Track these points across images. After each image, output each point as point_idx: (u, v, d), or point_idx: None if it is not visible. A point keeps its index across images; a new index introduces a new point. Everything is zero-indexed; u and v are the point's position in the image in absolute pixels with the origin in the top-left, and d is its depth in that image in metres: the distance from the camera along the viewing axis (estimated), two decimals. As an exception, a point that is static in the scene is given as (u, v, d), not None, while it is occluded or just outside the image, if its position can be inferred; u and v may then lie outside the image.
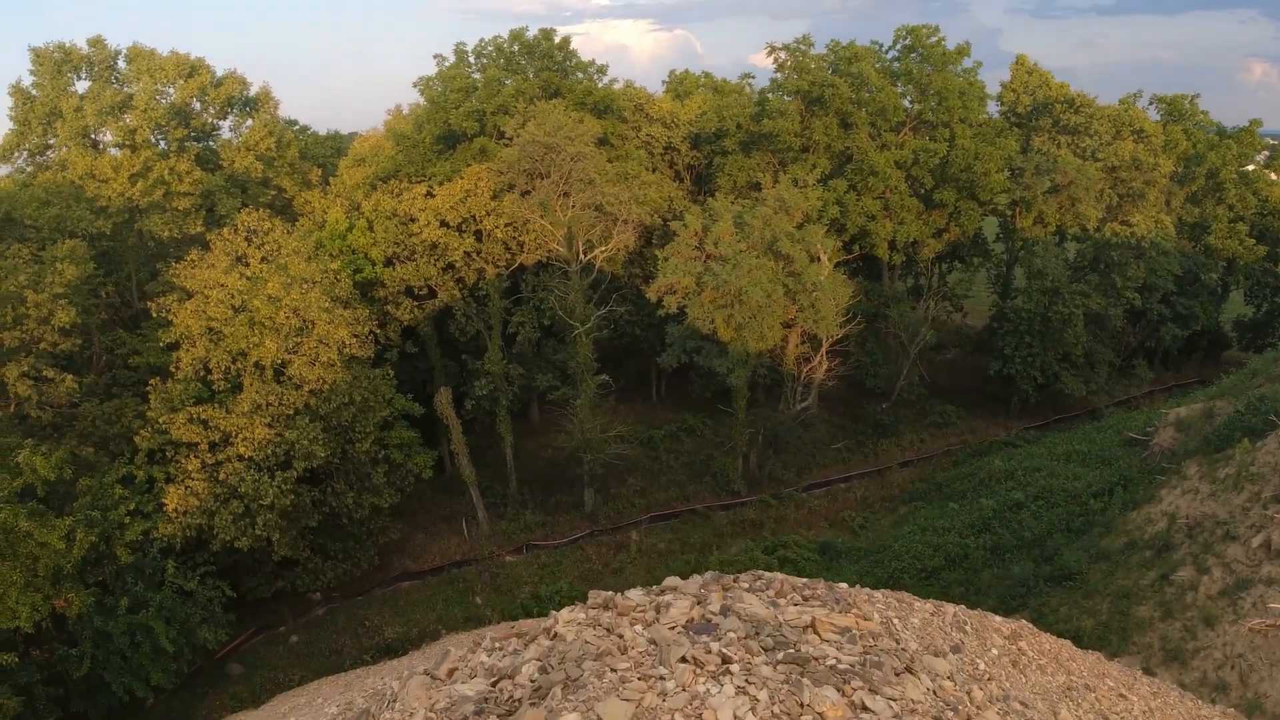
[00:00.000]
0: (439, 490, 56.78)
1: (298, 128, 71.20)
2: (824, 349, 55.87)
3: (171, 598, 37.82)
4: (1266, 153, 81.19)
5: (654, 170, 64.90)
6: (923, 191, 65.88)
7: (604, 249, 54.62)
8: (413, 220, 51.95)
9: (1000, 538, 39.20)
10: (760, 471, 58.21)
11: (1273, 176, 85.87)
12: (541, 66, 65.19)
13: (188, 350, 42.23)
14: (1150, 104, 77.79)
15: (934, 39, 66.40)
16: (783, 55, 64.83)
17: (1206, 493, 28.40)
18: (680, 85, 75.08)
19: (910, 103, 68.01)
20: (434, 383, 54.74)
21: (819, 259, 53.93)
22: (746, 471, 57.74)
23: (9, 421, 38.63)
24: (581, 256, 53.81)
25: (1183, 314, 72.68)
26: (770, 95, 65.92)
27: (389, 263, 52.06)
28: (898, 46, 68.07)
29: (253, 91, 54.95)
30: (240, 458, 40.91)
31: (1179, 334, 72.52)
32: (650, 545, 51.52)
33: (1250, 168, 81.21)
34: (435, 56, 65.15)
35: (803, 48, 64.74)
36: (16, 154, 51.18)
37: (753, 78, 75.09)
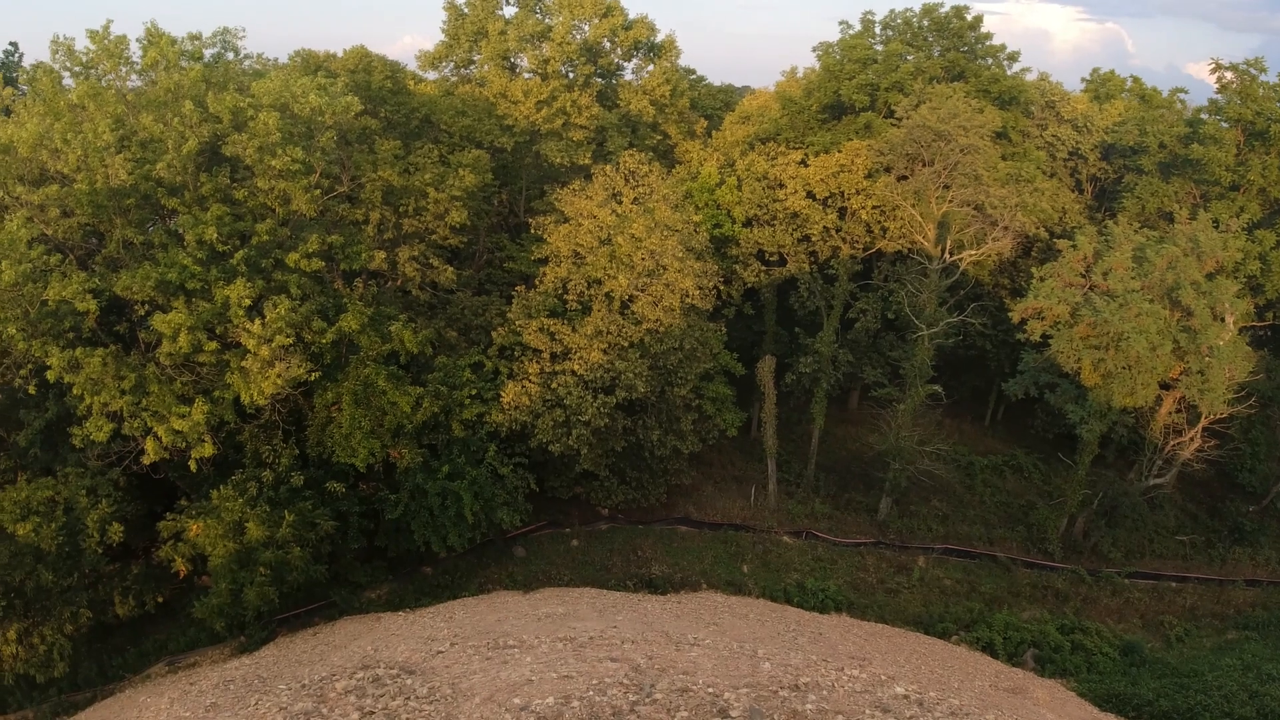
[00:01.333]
0: (739, 451, 57.11)
1: (693, 77, 72.83)
2: (1201, 424, 47.97)
3: (485, 476, 41.59)
4: None
5: (1051, 176, 59.00)
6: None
7: (973, 252, 50.70)
8: (781, 186, 51.53)
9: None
10: (1084, 540, 51.98)
11: None
12: (948, 46, 60.79)
13: (553, 268, 45.59)
14: None
15: None
16: (1228, 75, 55.53)
17: None
18: (1102, 86, 67.33)
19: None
20: (762, 348, 54.63)
21: (1223, 319, 46.13)
22: (1068, 535, 51.86)
23: (393, 294, 43.82)
24: (946, 255, 50.29)
25: None
26: (1205, 117, 56.96)
27: (748, 223, 52.23)
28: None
29: (659, 38, 56.48)
30: (573, 373, 43.81)
31: None
32: (935, 577, 48.23)
33: None
34: (840, 23, 63.00)
35: (1253, 70, 54.96)
36: (444, 64, 56.71)
37: (1186, 92, 65.72)
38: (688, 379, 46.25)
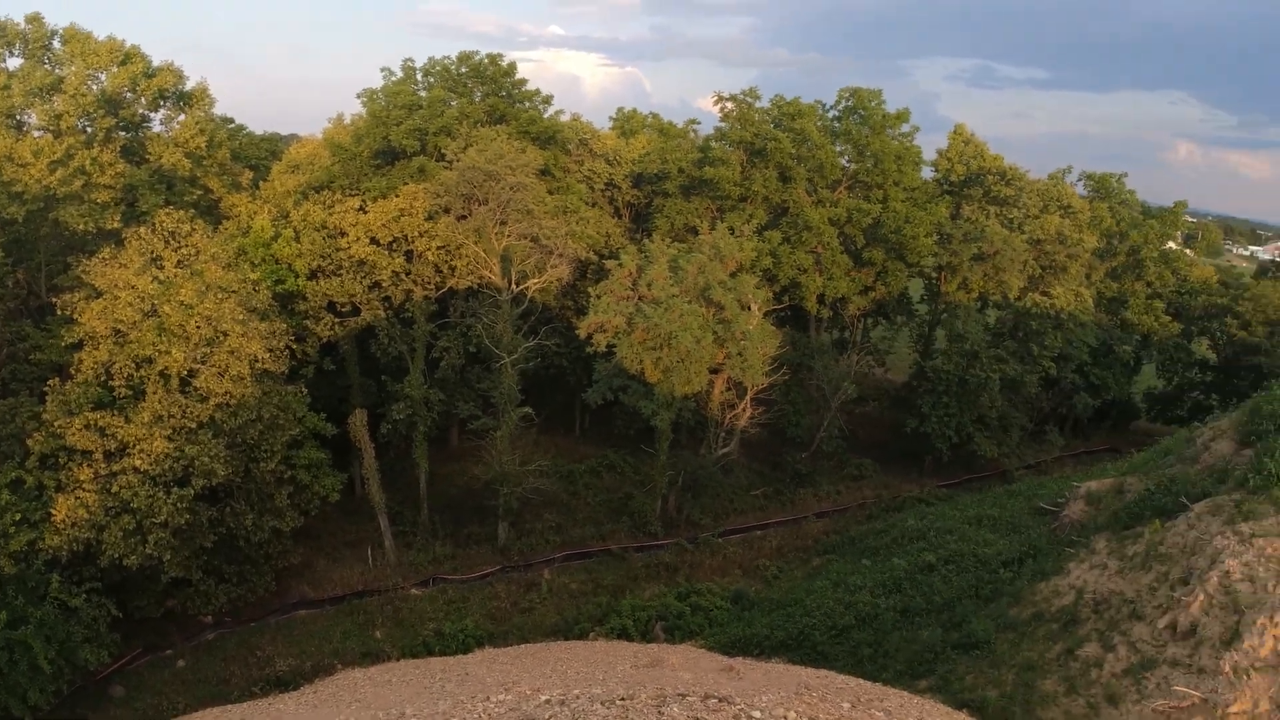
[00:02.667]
0: (346, 515, 54.78)
1: (233, 126, 68.97)
2: (749, 396, 56.03)
3: (54, 614, 35.74)
4: (1186, 233, 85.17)
5: (594, 205, 64.84)
6: (853, 249, 67.27)
7: (537, 280, 53.98)
8: (342, 234, 50.52)
9: (910, 600, 39.36)
10: (678, 514, 57.84)
11: (1190, 256, 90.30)
12: (488, 91, 64.66)
13: (90, 352, 40.09)
14: (1079, 180, 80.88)
15: (875, 103, 68.17)
16: (729, 105, 65.79)
17: (1114, 570, 28.98)
18: (627, 123, 75.57)
19: (848, 162, 69.62)
20: (350, 402, 52.93)
21: (749, 308, 54.27)
22: (665, 513, 57.31)
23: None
24: (513, 286, 53.06)
25: (1095, 384, 75.46)
26: (714, 143, 66.70)
27: (313, 276, 50.42)
28: (840, 106, 69.70)
29: (189, 85, 52.83)
30: (136, 470, 38.69)
31: (1090, 403, 75.13)
32: (562, 585, 50.41)
33: (1170, 246, 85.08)
34: (382, 70, 63.99)
35: (749, 100, 65.76)
36: (-66, 128, 47.92)
37: (698, 123, 76.17)
38: (274, 451, 43.28)
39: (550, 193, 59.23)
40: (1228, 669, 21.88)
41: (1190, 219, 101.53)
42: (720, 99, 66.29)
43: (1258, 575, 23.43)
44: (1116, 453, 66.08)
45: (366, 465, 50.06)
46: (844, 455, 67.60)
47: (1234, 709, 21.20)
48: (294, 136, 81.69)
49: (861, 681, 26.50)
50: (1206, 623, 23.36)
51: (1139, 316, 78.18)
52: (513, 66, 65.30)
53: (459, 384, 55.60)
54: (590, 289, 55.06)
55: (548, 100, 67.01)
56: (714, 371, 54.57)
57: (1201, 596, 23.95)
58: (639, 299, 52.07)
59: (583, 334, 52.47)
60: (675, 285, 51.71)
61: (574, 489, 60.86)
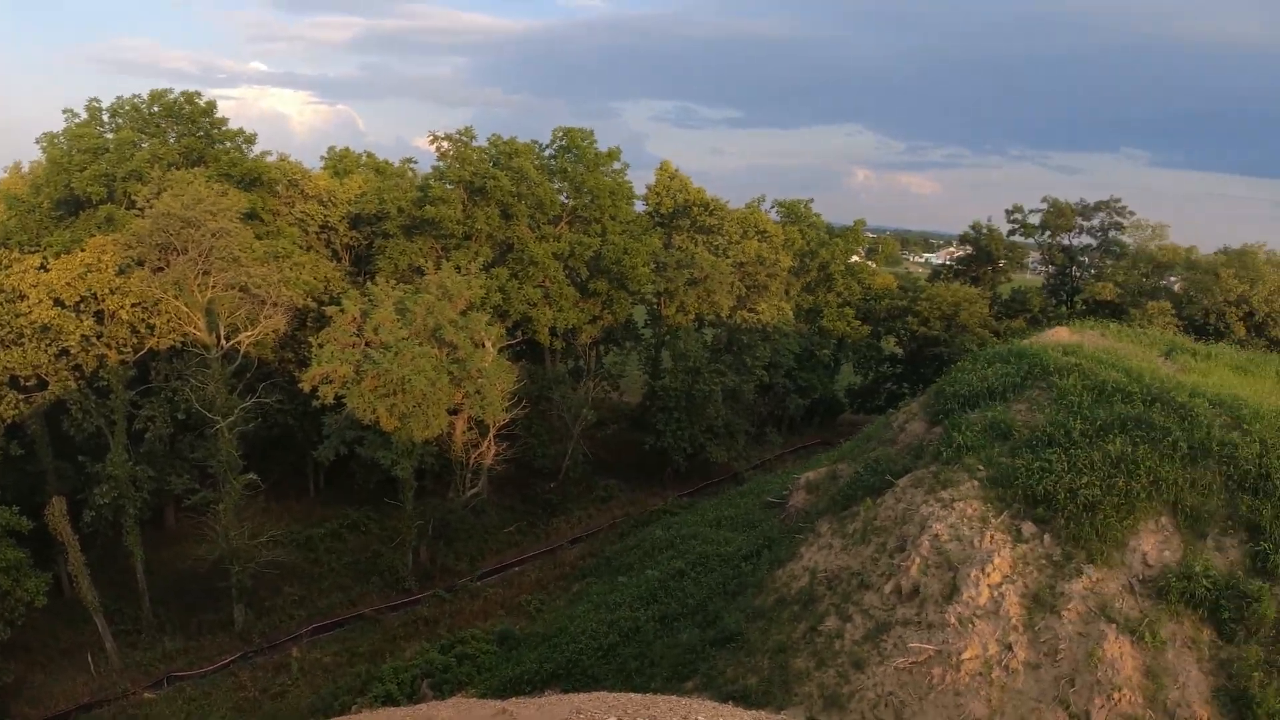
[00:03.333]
0: (58, 619, 47.95)
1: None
2: (491, 433, 55.73)
3: None
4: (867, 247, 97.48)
5: (308, 249, 61.87)
6: (579, 281, 69.62)
7: (250, 333, 50.56)
8: (22, 298, 44.85)
9: (668, 607, 40.85)
10: (433, 565, 56.09)
11: (873, 266, 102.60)
12: (184, 131, 59.97)
13: None
14: (772, 207, 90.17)
15: (588, 142, 71.29)
16: (445, 145, 65.80)
17: (839, 547, 31.88)
18: (340, 162, 73.11)
19: (566, 198, 72.09)
20: (45, 491, 46.49)
21: (483, 345, 54.19)
22: (418, 566, 55.35)
23: None
24: (223, 341, 49.31)
25: (803, 386, 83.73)
26: (434, 182, 66.30)
27: (-15, 348, 43.93)
28: (555, 145, 72.13)
29: None
30: None
31: (801, 403, 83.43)
32: (315, 660, 46.95)
33: (854, 259, 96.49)
34: (65, 111, 57.43)
35: (465, 139, 66.16)
36: None
37: (415, 162, 75.44)
38: (-46, 555, 37.18)
39: (259, 238, 55.73)
40: (953, 620, 24.83)
41: (870, 235, 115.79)
42: (436, 138, 66.14)
43: (963, 534, 26.85)
44: (828, 445, 72.72)
45: (73, 560, 44.22)
46: (591, 479, 69.19)
47: (966, 655, 24.08)
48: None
49: (631, 695, 27.10)
50: (926, 582, 26.37)
51: (834, 323, 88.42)
52: (211, 105, 61.17)
53: (170, 456, 50.81)
54: (312, 338, 52.36)
55: (251, 139, 63.34)
56: (453, 412, 53.73)
57: (917, 560, 27.02)
58: (366, 345, 50.20)
59: (307, 387, 49.61)
60: (404, 328, 50.44)
61: (315, 555, 57.35)
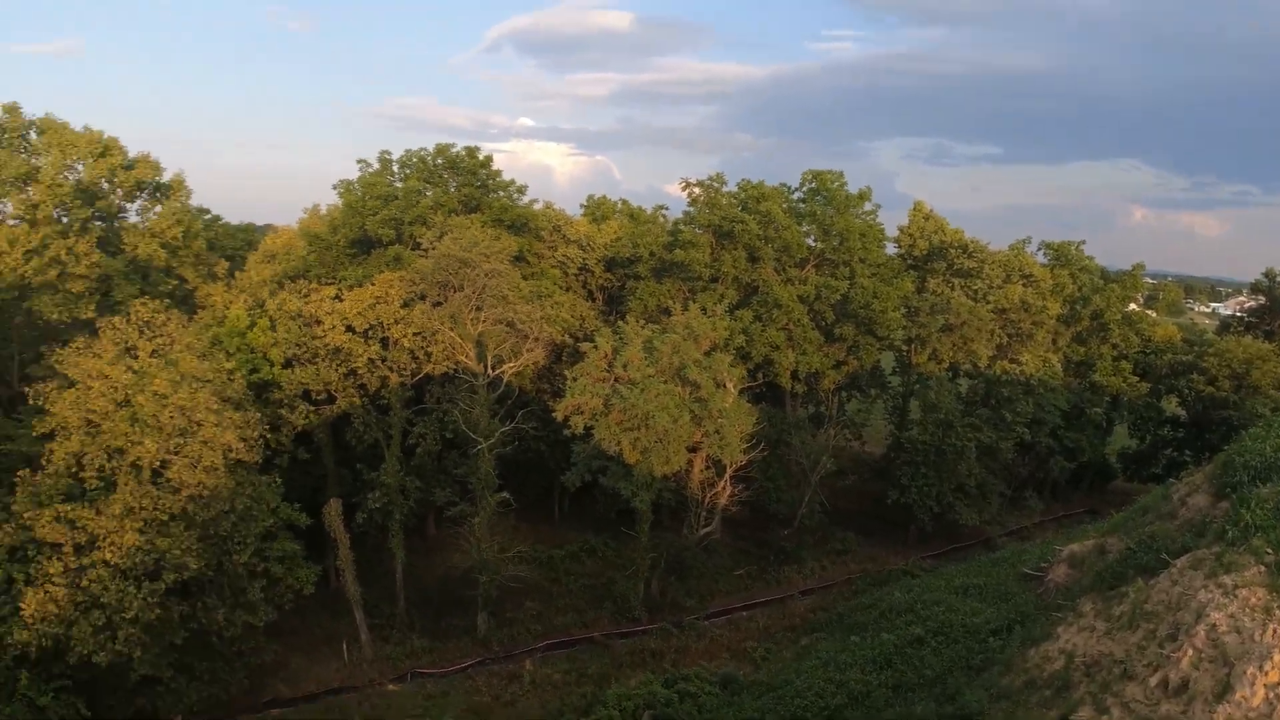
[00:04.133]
0: (321, 608, 53.19)
1: (209, 216, 69.56)
2: (728, 474, 55.86)
3: (22, 712, 34.77)
4: (1146, 294, 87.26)
5: (567, 290, 65.69)
6: (824, 325, 68.43)
7: (513, 364, 54.12)
8: (318, 323, 50.65)
9: (902, 675, 38.66)
10: (662, 598, 56.85)
11: (1153, 316, 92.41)
12: (463, 181, 66.06)
13: (62, 442, 39.27)
14: (1039, 249, 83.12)
15: (837, 184, 70.47)
16: (696, 190, 67.74)
17: (1102, 631, 28.74)
18: (598, 209, 77.30)
19: (814, 241, 71.44)
20: (325, 492, 52.15)
21: (724, 386, 54.64)
22: (648, 597, 56.30)
23: None
24: (489, 370, 53.11)
25: (1070, 447, 76.43)
26: (683, 227, 68.29)
27: (288, 364, 50.26)
28: (804, 189, 71.98)
29: (166, 177, 53.38)
30: (106, 564, 37.66)
31: (1066, 466, 76.15)
32: (545, 676, 48.86)
33: (1132, 308, 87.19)
34: (359, 161, 65.31)
35: (715, 184, 67.78)
36: (-93, 214, 47.98)
37: (667, 208, 78.35)
38: (247, 543, 42.16)
39: (525, 278, 59.99)
40: (1223, 724, 21.62)
41: (1149, 280, 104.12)
42: (687, 185, 68.28)
43: (1243, 626, 23.37)
44: (1095, 514, 66.28)
45: (342, 557, 49.02)
46: (827, 530, 67.31)
47: (1233, 764, 20.89)
48: (269, 227, 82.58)
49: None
50: (1197, 677, 23.14)
51: (1107, 378, 79.59)
52: (488, 159, 67.11)
53: (435, 471, 55.09)
54: (566, 372, 55.19)
55: (521, 189, 68.70)
56: (692, 450, 54.52)
57: (1190, 651, 23.79)
58: (615, 380, 52.27)
59: (560, 416, 52.32)
60: (650, 366, 52.06)
61: (555, 575, 59.89)
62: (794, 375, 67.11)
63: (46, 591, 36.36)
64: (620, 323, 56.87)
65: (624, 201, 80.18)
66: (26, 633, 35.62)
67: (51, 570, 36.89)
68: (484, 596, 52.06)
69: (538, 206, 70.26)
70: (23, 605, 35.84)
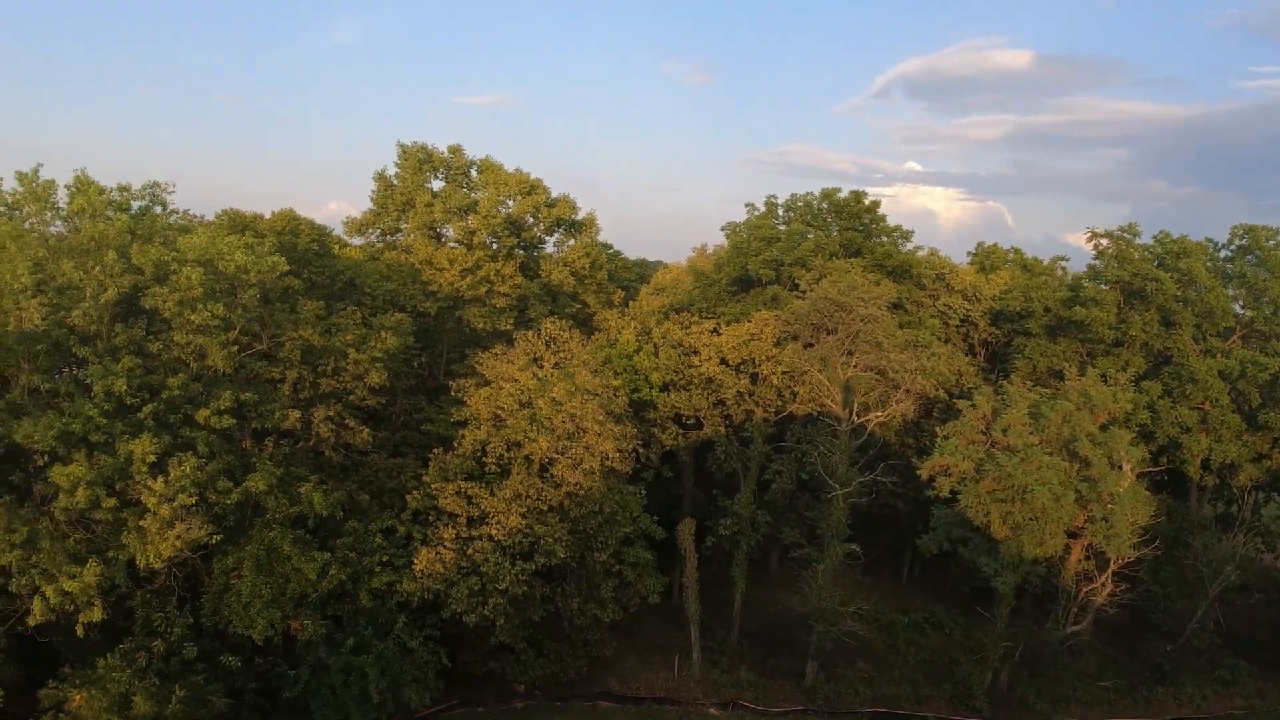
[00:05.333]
0: (660, 618, 55.54)
1: (610, 251, 76.43)
2: (1111, 569, 49.25)
3: (393, 650, 39.66)
4: None
5: (946, 341, 62.84)
6: (1247, 409, 58.61)
7: (880, 414, 52.63)
8: (695, 353, 53.31)
9: None
10: (1010, 693, 51.62)
11: None
12: (846, 225, 65.93)
13: (472, 430, 45.36)
14: None
15: (1273, 242, 60.59)
16: (1104, 242, 61.83)
17: None
18: (987, 258, 73.26)
19: (1241, 308, 61.98)
20: (680, 511, 54.50)
21: (1120, 467, 48.51)
22: (994, 688, 51.33)
23: (305, 455, 42.73)
24: (854, 417, 52.03)
25: None
26: (1086, 282, 62.35)
27: (665, 388, 53.49)
28: (1232, 246, 62.98)
29: (580, 216, 59.56)
30: (490, 539, 42.65)
31: None
32: (867, 743, 46.65)
33: None
34: (746, 205, 67.83)
35: (1127, 235, 61.43)
36: (370, 230, 58.28)
37: (1067, 260, 72.57)
38: (608, 543, 45.46)
39: (901, 326, 58.34)
40: None
41: None
42: (1094, 235, 62.48)
43: None
44: None
45: (688, 574, 50.73)
46: (1216, 653, 56.86)
47: None
48: (660, 263, 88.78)
49: None
50: None
51: None
52: (875, 204, 66.32)
53: (786, 509, 55.20)
54: (936, 428, 52.47)
55: (907, 235, 67.08)
56: (1072, 535, 48.85)
57: None
58: (991, 444, 48.52)
59: (924, 475, 49.64)
60: (1035, 434, 47.61)
61: (893, 641, 57.08)
62: (1204, 465, 58.36)
63: (438, 553, 41.94)
64: (1003, 382, 53.02)
65: (1016, 251, 75.07)
66: (413, 584, 41.16)
67: (445, 535, 42.55)
68: (817, 646, 50.88)
69: (921, 253, 68.20)
70: (415, 561, 41.48)
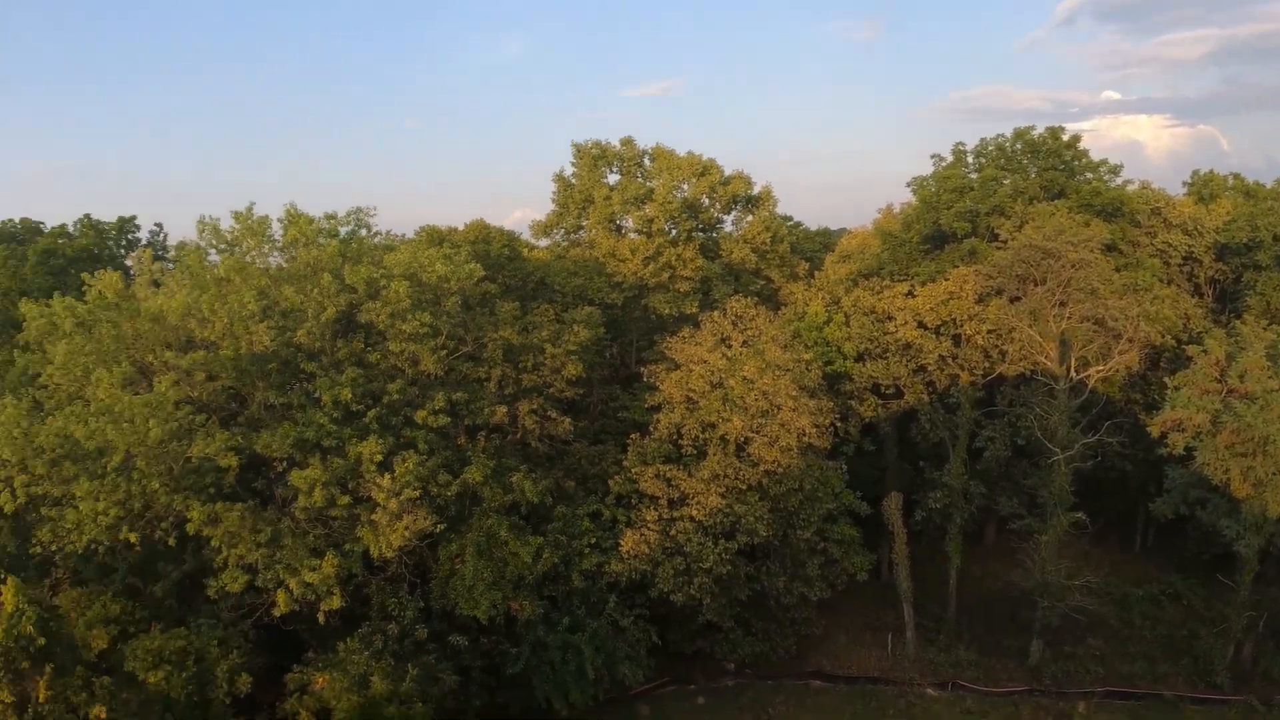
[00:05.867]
0: (869, 596, 54.43)
1: (791, 223, 75.07)
2: (1375, 530, 43.55)
3: (605, 628, 41.29)
4: None
5: (1169, 283, 57.58)
6: None
7: (1100, 368, 48.98)
8: (889, 319, 51.62)
9: None
10: (1254, 666, 47.24)
11: None
12: (1045, 166, 61.34)
13: (666, 414, 46.09)
14: None
15: None
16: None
17: None
18: (1204, 187, 66.32)
19: None
20: (885, 485, 53.12)
21: (1384, 416, 42.54)
22: (1236, 662, 47.00)
23: (513, 447, 45.04)
24: (1072, 374, 48.62)
25: None
26: (1323, 204, 54.95)
27: (860, 358, 52.14)
28: None
29: (755, 190, 58.82)
30: (691, 519, 43.30)
31: None
32: (1099, 723, 43.80)
33: None
34: (932, 156, 64.46)
35: None
36: (555, 231, 60.28)
37: (1298, 182, 63.79)
38: (810, 521, 45.10)
39: (1117, 270, 53.83)
40: None
41: None
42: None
43: None
44: None
45: (897, 550, 49.44)
46: None
47: None
48: (844, 230, 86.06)
49: None
50: None
51: None
52: (1075, 138, 61.33)
53: (1002, 478, 52.60)
54: (1166, 380, 48.11)
55: (1115, 170, 61.68)
56: (1327, 492, 43.53)
57: None
58: (1228, 393, 43.98)
59: (1155, 431, 45.71)
60: (1275, 378, 42.68)
61: (1126, 615, 53.32)
62: None
63: (642, 534, 43.05)
64: (1236, 323, 48.15)
65: (1236, 176, 67.40)
66: (621, 565, 42.55)
67: (648, 517, 43.59)
68: (1042, 622, 48.42)
69: (1132, 188, 62.56)
70: (621, 542, 42.80)
